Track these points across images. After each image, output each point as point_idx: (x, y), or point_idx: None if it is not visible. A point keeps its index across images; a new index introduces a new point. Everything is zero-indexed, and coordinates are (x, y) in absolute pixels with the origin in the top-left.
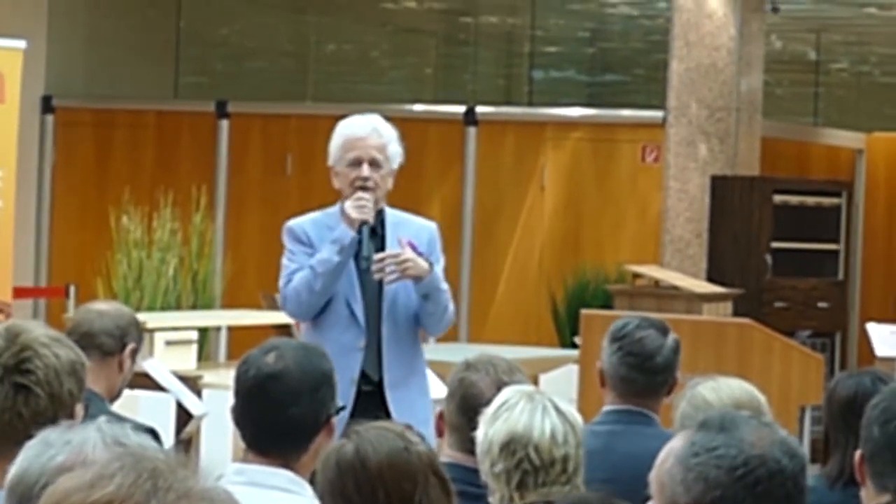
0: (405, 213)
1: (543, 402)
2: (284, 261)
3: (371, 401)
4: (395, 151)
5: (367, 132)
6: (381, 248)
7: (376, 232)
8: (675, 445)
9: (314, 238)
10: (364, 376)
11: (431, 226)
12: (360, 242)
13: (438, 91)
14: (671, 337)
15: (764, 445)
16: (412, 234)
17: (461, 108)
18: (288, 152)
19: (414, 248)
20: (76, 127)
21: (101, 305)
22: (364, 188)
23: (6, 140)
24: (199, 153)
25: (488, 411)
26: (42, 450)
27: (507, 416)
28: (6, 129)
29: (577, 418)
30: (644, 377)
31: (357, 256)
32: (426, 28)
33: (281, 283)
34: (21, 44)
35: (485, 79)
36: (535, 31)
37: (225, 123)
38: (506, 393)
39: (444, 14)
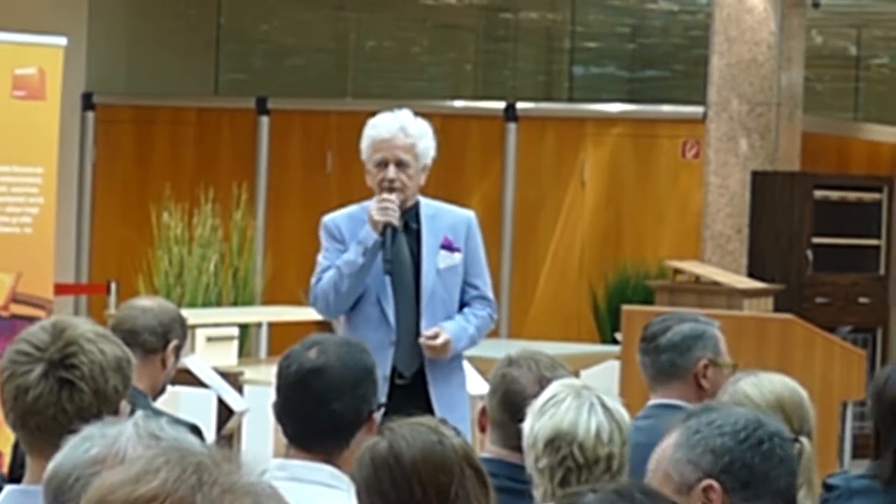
0: (442, 204)
1: (591, 398)
2: (319, 257)
3: (405, 396)
4: (425, 148)
5: (392, 133)
6: (417, 242)
7: (409, 226)
8: (669, 439)
9: (347, 234)
10: (395, 372)
11: (469, 215)
12: (383, 244)
13: (478, 87)
14: (688, 325)
15: (756, 415)
16: (448, 225)
17: (501, 105)
18: (328, 149)
19: (449, 246)
20: (117, 124)
21: (145, 302)
22: (391, 189)
23: (47, 137)
24: (240, 150)
25: (536, 404)
26: (79, 443)
27: (554, 411)
28: (47, 127)
29: (625, 416)
30: (650, 359)
31: (384, 258)
32: (466, 24)
33: (312, 280)
34: (62, 41)
35: (525, 75)
36: (575, 26)
37: (265, 120)
38: (554, 387)
39: (484, 10)
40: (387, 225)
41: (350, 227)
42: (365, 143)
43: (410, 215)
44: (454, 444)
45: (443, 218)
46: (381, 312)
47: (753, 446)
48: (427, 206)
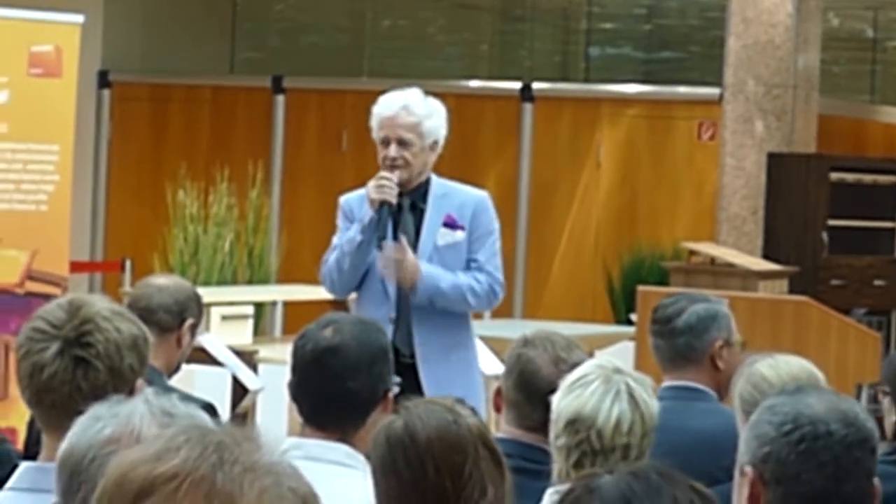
0: (454, 184)
1: (619, 385)
2: (333, 237)
3: (407, 375)
4: (431, 127)
5: (395, 111)
6: (420, 219)
7: (416, 205)
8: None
9: (358, 213)
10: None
11: (480, 195)
12: (378, 222)
13: (494, 67)
14: (702, 305)
15: (820, 411)
16: (457, 204)
17: (517, 85)
18: (343, 128)
19: (452, 223)
20: (133, 102)
21: (161, 280)
22: (392, 167)
23: (63, 115)
24: (255, 128)
25: (567, 381)
26: (91, 423)
27: (580, 392)
28: (63, 104)
29: (651, 407)
30: (665, 342)
31: (380, 237)
32: (482, 4)
33: (323, 258)
34: (79, 18)
35: (541, 55)
36: (591, 7)
37: (281, 99)
38: (587, 366)
39: None
40: (382, 203)
41: (362, 206)
42: (373, 122)
43: (418, 194)
44: (469, 424)
45: (453, 197)
46: (383, 290)
47: (793, 443)
48: (438, 185)
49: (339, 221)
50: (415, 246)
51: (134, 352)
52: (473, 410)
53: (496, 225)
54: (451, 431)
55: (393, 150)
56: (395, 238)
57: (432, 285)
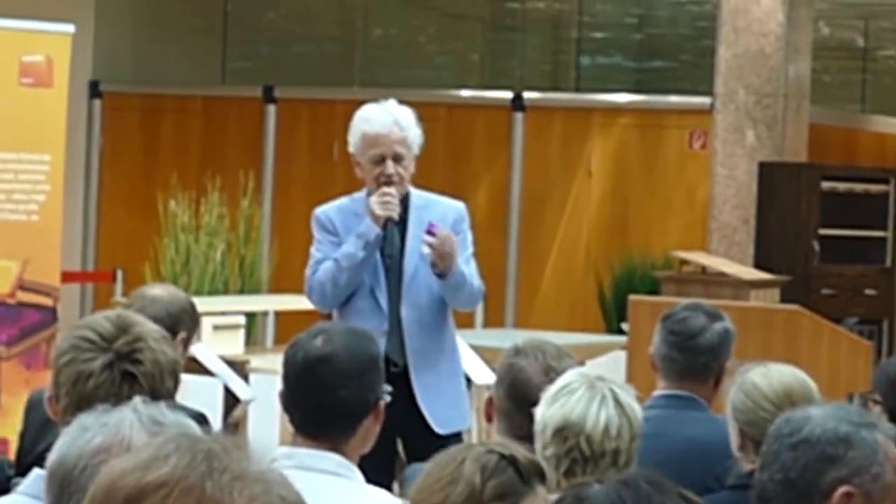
0: (432, 195)
1: (604, 391)
2: (312, 250)
3: (397, 384)
4: (414, 136)
5: (387, 128)
6: (403, 232)
7: (399, 218)
8: None
9: (340, 226)
10: (388, 361)
11: (458, 205)
12: (384, 238)
13: (485, 77)
14: (721, 324)
15: (834, 414)
16: (438, 215)
17: (508, 94)
18: (335, 138)
19: (432, 232)
20: (124, 112)
21: (156, 290)
22: (389, 183)
23: (54, 125)
24: (247, 138)
25: (549, 391)
26: (80, 433)
27: (565, 401)
28: (54, 114)
29: (637, 412)
30: (683, 356)
31: (382, 252)
32: (473, 13)
33: (307, 272)
34: (70, 28)
35: (532, 64)
36: (582, 16)
37: (272, 108)
38: (569, 375)
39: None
40: (388, 219)
41: (342, 218)
42: (355, 137)
43: (400, 206)
44: None
45: (432, 209)
46: (374, 303)
47: (791, 445)
48: (417, 196)
49: (318, 234)
50: (400, 257)
51: (172, 377)
52: None
53: (471, 235)
54: None
55: (390, 166)
56: (392, 254)
57: (460, 271)
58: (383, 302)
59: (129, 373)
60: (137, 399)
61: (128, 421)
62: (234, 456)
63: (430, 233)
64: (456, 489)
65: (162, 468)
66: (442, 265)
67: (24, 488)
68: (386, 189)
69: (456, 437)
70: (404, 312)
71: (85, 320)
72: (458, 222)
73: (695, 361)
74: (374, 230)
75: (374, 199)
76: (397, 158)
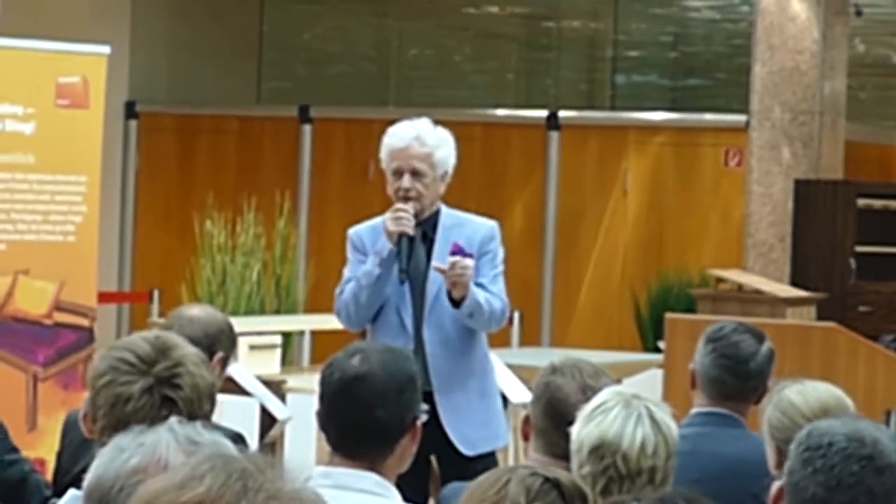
0: (464, 214)
1: (640, 409)
2: (345, 270)
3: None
4: (442, 157)
5: (407, 142)
6: (430, 251)
7: (427, 235)
8: None
9: (369, 245)
10: None
11: (489, 224)
12: (398, 254)
13: (521, 96)
14: (766, 345)
15: (833, 426)
16: (467, 235)
17: (544, 113)
18: (370, 157)
19: (461, 251)
20: (159, 132)
21: (194, 311)
22: (406, 199)
23: (90, 146)
24: (282, 158)
25: (585, 410)
26: (116, 454)
27: (601, 419)
28: (90, 135)
29: (672, 429)
30: (735, 380)
31: (399, 269)
32: (508, 33)
33: (336, 292)
34: (105, 49)
35: (567, 83)
36: (617, 35)
37: (308, 128)
38: (605, 394)
39: (526, 19)
40: (402, 235)
41: (372, 238)
42: (383, 152)
43: (429, 225)
44: None
45: (462, 227)
46: (399, 322)
47: (798, 453)
48: (448, 215)
49: (350, 254)
50: (425, 275)
51: (210, 400)
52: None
53: (501, 252)
54: None
55: (406, 181)
56: (407, 269)
57: (475, 299)
58: (408, 320)
59: (168, 397)
60: (174, 419)
61: (164, 441)
62: (268, 475)
63: (454, 253)
64: None
65: (197, 488)
66: (454, 292)
67: None
68: (399, 205)
69: (488, 457)
70: (427, 334)
71: (123, 341)
72: (486, 241)
73: (745, 385)
74: (388, 246)
75: (387, 214)
76: (415, 174)
